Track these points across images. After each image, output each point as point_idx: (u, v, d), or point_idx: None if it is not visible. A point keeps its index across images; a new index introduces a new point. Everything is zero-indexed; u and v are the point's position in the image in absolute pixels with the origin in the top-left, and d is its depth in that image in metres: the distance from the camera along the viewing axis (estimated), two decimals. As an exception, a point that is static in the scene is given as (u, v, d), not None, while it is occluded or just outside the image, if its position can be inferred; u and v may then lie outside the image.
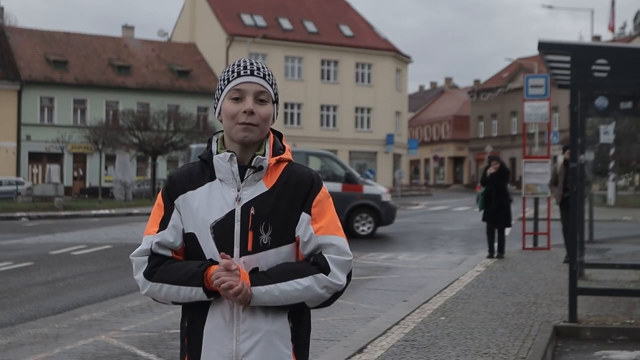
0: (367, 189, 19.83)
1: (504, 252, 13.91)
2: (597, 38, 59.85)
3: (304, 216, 2.41)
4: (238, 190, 2.41)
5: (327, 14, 61.22)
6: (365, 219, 19.56)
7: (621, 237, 15.95)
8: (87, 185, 48.80)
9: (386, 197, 19.85)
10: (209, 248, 2.40)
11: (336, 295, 2.41)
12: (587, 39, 56.88)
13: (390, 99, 59.93)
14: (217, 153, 2.45)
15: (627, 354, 6.96)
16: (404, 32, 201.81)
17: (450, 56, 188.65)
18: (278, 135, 2.54)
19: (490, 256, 13.78)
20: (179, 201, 2.46)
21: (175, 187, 2.47)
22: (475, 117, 76.03)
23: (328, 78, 58.26)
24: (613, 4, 45.32)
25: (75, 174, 49.52)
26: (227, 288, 2.29)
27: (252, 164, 2.42)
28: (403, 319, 8.02)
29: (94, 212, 30.97)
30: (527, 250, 15.25)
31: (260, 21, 57.18)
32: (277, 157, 2.46)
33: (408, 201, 43.73)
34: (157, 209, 2.48)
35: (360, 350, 6.63)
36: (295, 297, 2.36)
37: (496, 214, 13.76)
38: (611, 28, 46.37)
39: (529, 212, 19.45)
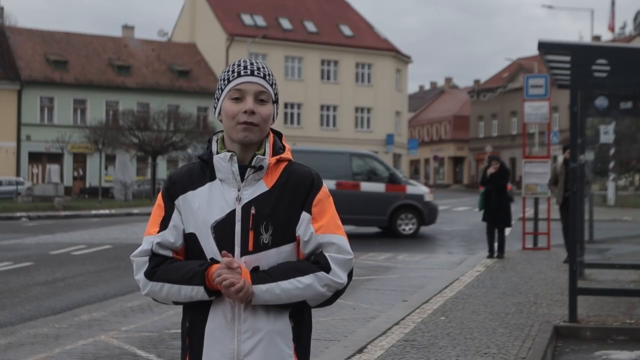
0: (410, 189, 19.98)
1: (504, 252, 13.91)
2: (597, 38, 59.86)
3: (305, 215, 2.42)
4: (238, 190, 2.41)
5: (327, 14, 61.23)
6: (409, 219, 19.67)
7: (621, 237, 15.96)
8: (87, 185, 48.80)
9: (429, 197, 19.97)
10: (210, 248, 2.40)
11: (337, 294, 2.41)
12: (587, 39, 56.92)
13: (390, 99, 59.94)
14: (217, 153, 2.46)
15: (627, 354, 6.96)
16: (404, 32, 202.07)
17: (450, 56, 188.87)
18: (278, 135, 2.54)
19: (490, 256, 13.78)
20: (180, 201, 2.46)
21: (176, 188, 2.47)
22: (475, 117, 76.03)
23: (328, 78, 58.27)
24: (613, 4, 45.34)
25: (75, 174, 49.52)
26: (228, 285, 2.29)
27: (253, 164, 2.42)
28: (403, 319, 8.02)
29: (94, 212, 30.97)
30: (527, 250, 15.25)
31: (260, 21, 57.19)
32: (277, 157, 2.46)
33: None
34: (157, 209, 2.49)
35: (360, 350, 6.63)
36: (297, 295, 2.36)
37: (496, 214, 13.77)
38: (611, 28, 46.37)
39: (529, 212, 19.46)
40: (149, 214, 2.50)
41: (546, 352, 6.67)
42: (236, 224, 2.39)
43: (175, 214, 2.45)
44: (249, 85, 2.42)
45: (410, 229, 19.61)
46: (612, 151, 17.35)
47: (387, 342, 6.95)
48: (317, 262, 2.38)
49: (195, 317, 2.44)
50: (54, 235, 20.16)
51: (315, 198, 2.43)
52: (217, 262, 2.36)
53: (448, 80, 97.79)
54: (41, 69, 49.00)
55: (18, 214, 28.98)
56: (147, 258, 2.43)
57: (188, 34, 59.39)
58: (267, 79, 2.45)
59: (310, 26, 59.00)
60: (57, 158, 46.60)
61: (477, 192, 16.15)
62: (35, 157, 48.15)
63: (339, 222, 2.46)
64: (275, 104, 2.48)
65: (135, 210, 31.63)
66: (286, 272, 2.36)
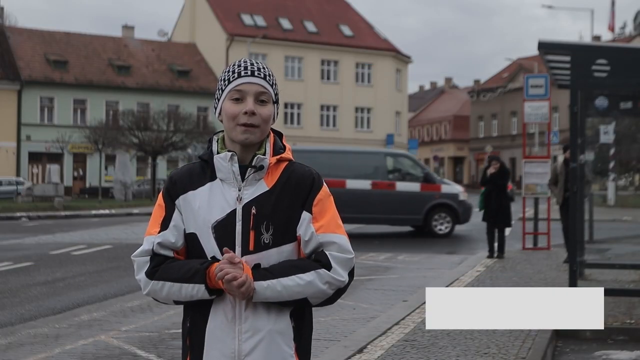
0: (445, 189, 20.05)
1: (504, 252, 13.91)
2: (597, 38, 59.85)
3: (305, 215, 2.42)
4: (239, 190, 2.42)
5: (327, 14, 61.22)
6: (444, 218, 19.74)
7: (621, 237, 15.98)
8: (87, 185, 48.79)
9: (463, 196, 20.04)
10: (210, 248, 2.41)
11: (339, 292, 2.42)
12: (587, 39, 56.89)
13: (390, 99, 59.93)
14: (218, 153, 2.46)
15: (627, 354, 6.97)
16: (404, 32, 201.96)
17: (450, 56, 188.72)
18: (278, 134, 2.54)
19: (490, 256, 13.78)
20: (180, 201, 2.46)
21: (176, 188, 2.48)
22: (475, 117, 76.05)
23: (328, 78, 58.25)
24: (613, 4, 45.34)
25: (75, 174, 49.52)
26: (231, 280, 2.29)
27: (253, 164, 2.42)
28: (403, 319, 8.02)
29: (94, 212, 30.97)
30: (527, 250, 15.26)
31: (260, 21, 57.18)
32: (278, 157, 2.46)
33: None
34: (158, 209, 2.49)
35: (360, 350, 6.63)
36: (298, 292, 2.36)
37: (496, 214, 13.77)
38: (611, 28, 46.37)
39: (529, 212, 19.45)
40: (149, 214, 2.51)
41: (546, 352, 6.68)
42: (237, 223, 2.39)
43: (176, 214, 2.46)
44: (249, 86, 2.42)
45: (446, 228, 19.71)
46: (612, 151, 17.38)
47: (387, 342, 6.95)
48: (318, 260, 2.39)
49: (196, 317, 2.44)
50: (54, 235, 20.16)
51: (315, 198, 2.44)
52: (218, 260, 2.36)
53: (448, 80, 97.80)
54: (41, 69, 49.00)
55: (18, 214, 28.98)
56: (148, 258, 2.43)
57: (188, 34, 59.38)
58: (267, 79, 2.45)
59: (310, 26, 59.00)
60: (57, 158, 46.60)
61: (477, 192, 16.14)
62: (35, 157, 48.14)
63: (340, 222, 2.46)
64: (275, 105, 2.49)
65: (135, 211, 31.63)
66: (287, 269, 2.37)
